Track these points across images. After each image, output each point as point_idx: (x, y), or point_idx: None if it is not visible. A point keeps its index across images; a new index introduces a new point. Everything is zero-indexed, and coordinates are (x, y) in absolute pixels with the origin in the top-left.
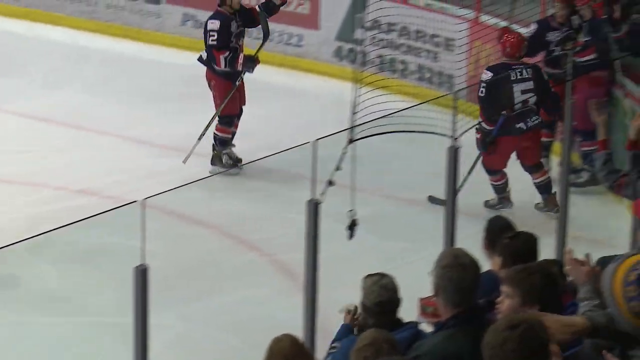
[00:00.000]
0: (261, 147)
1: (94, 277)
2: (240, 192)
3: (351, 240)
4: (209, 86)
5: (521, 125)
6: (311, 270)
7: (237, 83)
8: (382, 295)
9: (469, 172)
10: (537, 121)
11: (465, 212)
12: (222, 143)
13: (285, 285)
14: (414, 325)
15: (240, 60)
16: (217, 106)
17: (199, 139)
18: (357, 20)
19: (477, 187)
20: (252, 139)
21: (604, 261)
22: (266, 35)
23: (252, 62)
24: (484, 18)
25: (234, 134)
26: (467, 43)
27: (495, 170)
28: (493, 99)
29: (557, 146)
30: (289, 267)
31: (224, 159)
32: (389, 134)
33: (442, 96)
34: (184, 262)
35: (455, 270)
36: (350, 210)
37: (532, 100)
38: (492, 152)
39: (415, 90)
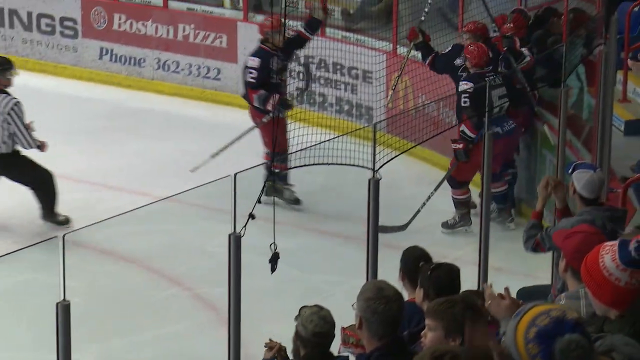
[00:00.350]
0: (182, 181)
1: (14, 314)
2: (162, 225)
3: (273, 274)
4: (255, 124)
5: (497, 129)
6: (234, 304)
7: (266, 120)
8: (321, 327)
9: (435, 189)
10: (512, 125)
11: (386, 244)
12: (283, 178)
13: (208, 320)
14: (345, 358)
15: (273, 101)
16: (265, 144)
17: (213, 156)
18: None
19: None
20: (172, 173)
21: (525, 292)
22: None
23: (285, 105)
24: (401, 50)
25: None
26: (385, 75)
27: (463, 183)
28: (477, 107)
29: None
30: (212, 301)
31: (287, 194)
32: (310, 166)
33: (361, 128)
34: (105, 298)
35: (380, 303)
36: (272, 244)
37: (506, 105)
38: (468, 160)
39: (335, 122)
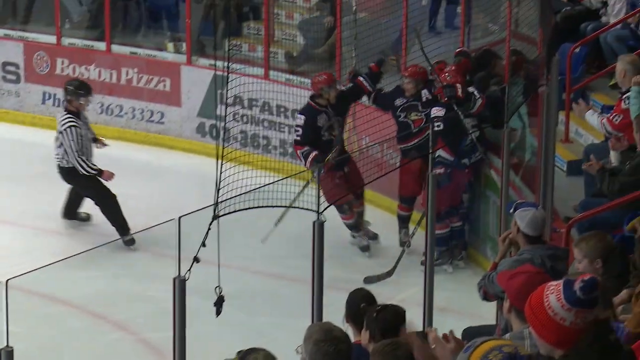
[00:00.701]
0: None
1: None
2: (106, 270)
3: (218, 317)
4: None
5: (465, 160)
6: (179, 349)
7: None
8: None
9: (419, 222)
10: (478, 157)
11: (331, 286)
12: (352, 227)
13: None
14: None
15: (311, 158)
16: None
17: (276, 224)
18: (218, 97)
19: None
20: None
21: (470, 333)
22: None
23: (319, 163)
24: None
25: (359, 213)
26: None
27: (440, 216)
28: (450, 131)
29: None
30: (157, 346)
31: (363, 240)
32: (254, 209)
33: (304, 171)
34: (48, 343)
35: (330, 345)
36: (217, 287)
37: (476, 135)
38: (450, 182)
39: (278, 165)
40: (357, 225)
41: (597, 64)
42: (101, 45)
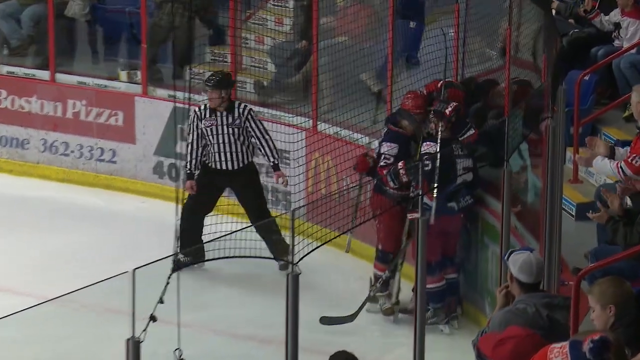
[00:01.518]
0: (73, 279)
1: None
2: (53, 329)
3: None
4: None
5: (453, 204)
6: None
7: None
8: None
9: (398, 269)
10: (469, 202)
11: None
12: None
13: None
14: None
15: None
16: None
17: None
18: (178, 132)
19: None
20: (62, 270)
21: None
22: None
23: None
24: (323, 127)
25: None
26: (304, 155)
27: (432, 266)
28: (439, 172)
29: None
30: None
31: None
32: (219, 260)
33: (277, 216)
34: None
35: None
36: (177, 349)
37: (469, 178)
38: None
39: None
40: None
41: (609, 94)
42: (44, 75)
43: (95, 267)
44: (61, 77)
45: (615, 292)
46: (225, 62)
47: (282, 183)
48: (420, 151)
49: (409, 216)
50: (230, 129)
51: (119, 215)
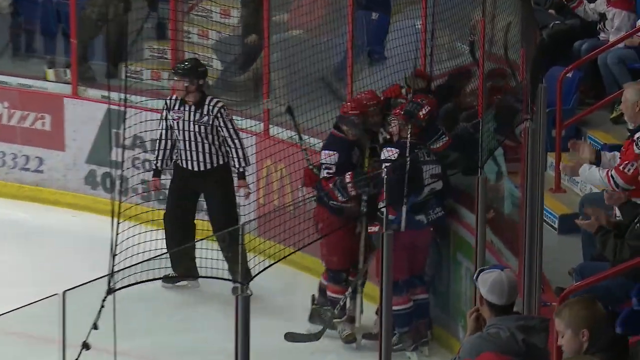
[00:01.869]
0: None
1: None
2: None
3: None
4: None
5: (421, 217)
6: None
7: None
8: None
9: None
10: (440, 214)
11: None
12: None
13: None
14: None
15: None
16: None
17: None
18: (113, 138)
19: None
20: None
21: None
22: None
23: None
24: (275, 130)
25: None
26: (255, 162)
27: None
28: (400, 181)
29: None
30: None
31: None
32: (160, 281)
33: (227, 231)
34: None
35: None
36: None
37: (438, 187)
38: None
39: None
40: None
41: (594, 93)
42: None
43: (19, 289)
44: None
45: (588, 315)
46: (166, 58)
47: (244, 195)
48: (380, 158)
49: (370, 230)
50: (197, 126)
51: (46, 230)
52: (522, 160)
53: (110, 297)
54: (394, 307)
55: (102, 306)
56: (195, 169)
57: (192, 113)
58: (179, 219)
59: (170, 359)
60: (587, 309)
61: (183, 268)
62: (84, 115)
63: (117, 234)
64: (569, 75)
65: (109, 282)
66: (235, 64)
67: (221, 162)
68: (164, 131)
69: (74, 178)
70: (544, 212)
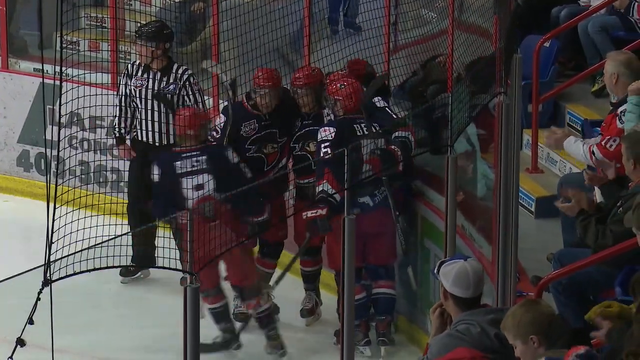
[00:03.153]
0: None
1: None
2: None
3: None
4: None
5: (366, 199)
6: None
7: None
8: None
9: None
10: (383, 193)
11: None
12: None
13: None
14: None
15: None
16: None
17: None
18: (48, 115)
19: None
20: None
21: None
22: None
23: None
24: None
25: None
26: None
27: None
28: (340, 162)
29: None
30: None
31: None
32: (103, 270)
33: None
34: None
35: None
36: None
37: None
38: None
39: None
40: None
41: (574, 64)
42: None
43: None
44: None
45: (532, 319)
46: (104, 27)
47: None
48: (318, 139)
49: (309, 215)
50: (161, 95)
51: None
52: (495, 138)
53: (46, 290)
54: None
55: (38, 299)
56: (157, 142)
57: (156, 81)
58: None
59: (112, 357)
60: (529, 313)
61: (144, 259)
62: (14, 90)
63: (54, 220)
64: (546, 44)
65: (46, 273)
66: (180, 33)
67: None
68: (123, 98)
69: (5, 159)
70: (520, 194)
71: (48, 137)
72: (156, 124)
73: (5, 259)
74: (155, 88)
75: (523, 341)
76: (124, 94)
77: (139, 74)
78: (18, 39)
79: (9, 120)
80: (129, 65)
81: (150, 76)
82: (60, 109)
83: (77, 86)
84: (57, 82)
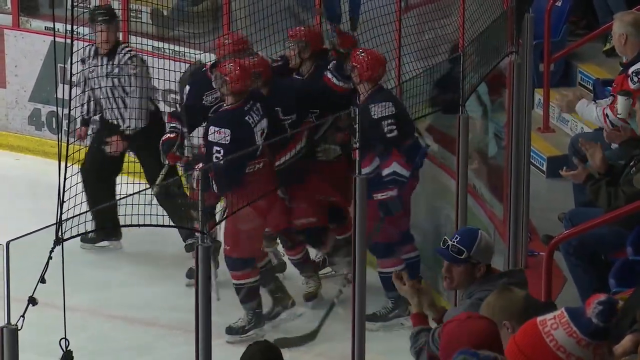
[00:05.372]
0: None
1: None
2: None
3: None
4: None
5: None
6: None
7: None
8: None
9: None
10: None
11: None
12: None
13: None
14: None
15: None
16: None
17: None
18: (59, 73)
19: None
20: None
21: None
22: None
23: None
24: None
25: None
26: None
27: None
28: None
29: None
30: None
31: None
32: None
33: (182, 175)
34: None
35: None
36: (63, 339)
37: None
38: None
39: None
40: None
41: (585, 23)
42: None
43: None
44: None
45: (504, 305)
46: None
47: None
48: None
49: (379, 197)
50: (110, 79)
51: None
52: (508, 97)
53: (58, 248)
54: (386, 270)
55: (50, 257)
56: (120, 127)
57: (104, 65)
58: (100, 174)
59: (122, 314)
60: (502, 299)
61: (107, 226)
62: (26, 49)
63: (65, 179)
64: (558, 4)
65: (57, 232)
66: None
67: (148, 117)
68: (81, 84)
69: (17, 117)
70: (531, 154)
71: (59, 95)
72: (115, 111)
73: (15, 217)
74: (104, 72)
75: (500, 328)
76: (80, 79)
77: (91, 56)
78: None
79: (20, 79)
80: (82, 49)
81: (99, 61)
82: (71, 67)
83: (88, 45)
84: (69, 41)
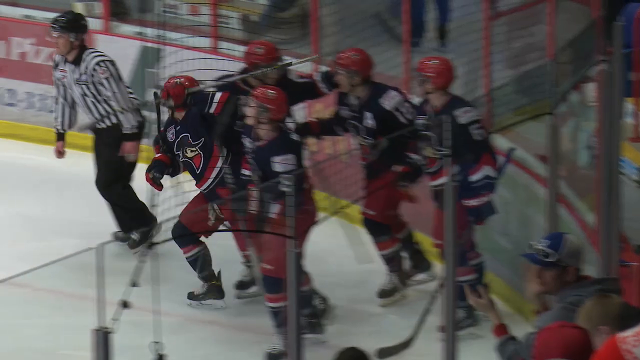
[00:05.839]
0: (23, 257)
1: None
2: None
3: None
4: None
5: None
6: None
7: None
8: None
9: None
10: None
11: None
12: None
13: None
14: None
15: None
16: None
17: None
18: (148, 77)
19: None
20: (7, 247)
21: None
22: None
23: None
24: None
25: None
26: (305, 106)
27: None
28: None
29: None
30: None
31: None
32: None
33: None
34: None
35: None
36: (156, 343)
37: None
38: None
39: None
40: None
41: None
42: None
43: (50, 242)
44: (3, 10)
45: (600, 311)
46: None
47: (133, 159)
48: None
49: (472, 204)
50: (79, 87)
51: (78, 178)
52: (599, 106)
53: (150, 251)
54: (460, 279)
55: (142, 261)
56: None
57: (72, 72)
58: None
59: (218, 317)
60: (599, 304)
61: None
62: (116, 53)
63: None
64: None
65: (149, 235)
66: None
67: (111, 123)
68: (56, 90)
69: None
70: (622, 163)
71: (147, 99)
72: (86, 111)
73: (107, 221)
74: (72, 79)
75: (595, 333)
76: (55, 86)
77: (60, 64)
78: (120, 3)
79: None
80: (55, 56)
81: (67, 68)
82: (160, 72)
83: (176, 50)
84: (158, 46)
